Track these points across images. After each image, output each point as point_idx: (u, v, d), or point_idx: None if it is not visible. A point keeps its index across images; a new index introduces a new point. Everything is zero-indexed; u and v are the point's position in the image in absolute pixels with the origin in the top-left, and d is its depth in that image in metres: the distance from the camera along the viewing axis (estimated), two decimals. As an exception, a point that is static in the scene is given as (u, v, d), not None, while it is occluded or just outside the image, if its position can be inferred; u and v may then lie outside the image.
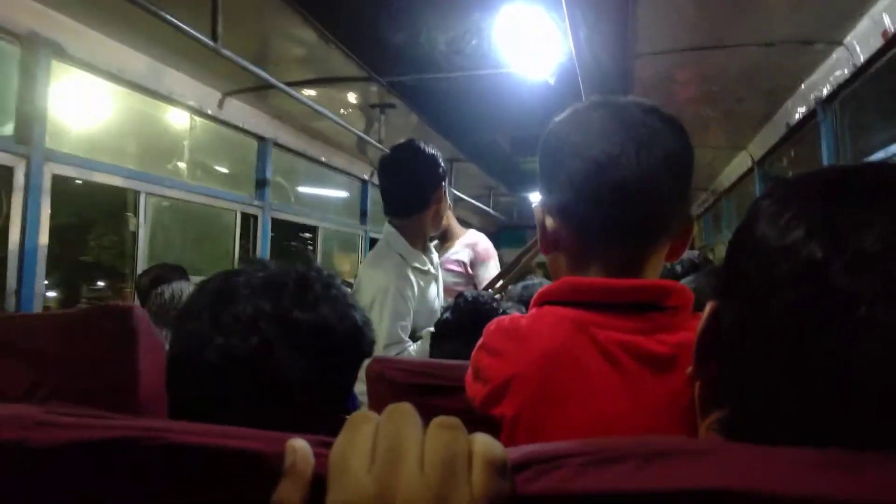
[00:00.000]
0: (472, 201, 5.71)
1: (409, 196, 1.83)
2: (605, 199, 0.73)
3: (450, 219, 2.48)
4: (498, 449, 0.32)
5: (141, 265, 2.57)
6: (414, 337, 1.73)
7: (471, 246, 2.32)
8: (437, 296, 1.88)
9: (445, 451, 0.32)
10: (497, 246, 2.43)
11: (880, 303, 0.34)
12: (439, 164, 1.85)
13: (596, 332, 0.71)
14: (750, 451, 0.36)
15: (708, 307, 0.48)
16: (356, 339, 0.73)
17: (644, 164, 0.72)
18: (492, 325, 0.83)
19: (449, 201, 1.91)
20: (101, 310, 1.40)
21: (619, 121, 0.75)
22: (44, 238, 2.04)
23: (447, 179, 1.87)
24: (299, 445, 0.34)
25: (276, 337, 0.66)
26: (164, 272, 2.10)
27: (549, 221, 0.81)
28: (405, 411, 0.34)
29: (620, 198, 0.72)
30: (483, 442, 0.33)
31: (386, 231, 1.85)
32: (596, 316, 0.72)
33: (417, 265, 1.80)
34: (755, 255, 0.41)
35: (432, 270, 1.89)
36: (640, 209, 0.73)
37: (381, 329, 1.66)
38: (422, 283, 1.80)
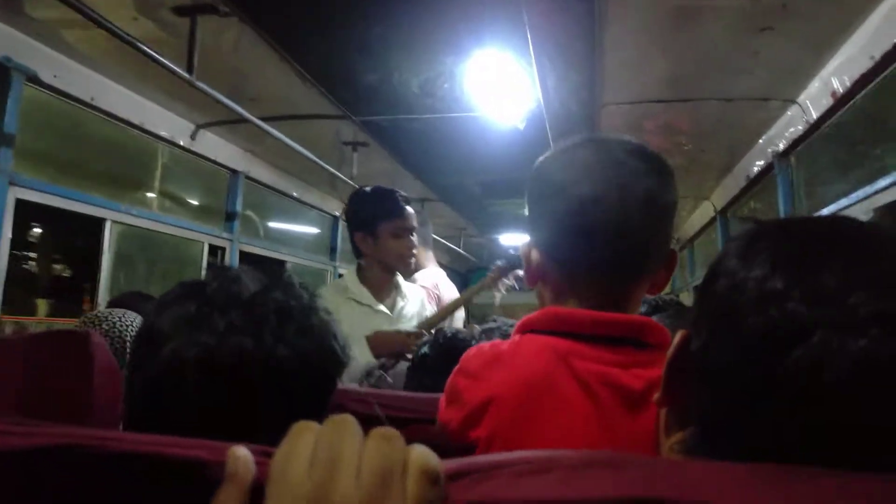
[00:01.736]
0: (443, 241, 5.75)
1: (352, 243, 1.98)
2: (587, 237, 0.76)
3: (420, 253, 2.50)
4: (433, 459, 0.34)
5: (103, 292, 2.53)
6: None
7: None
8: None
9: (382, 461, 0.33)
10: (466, 286, 2.46)
11: (834, 330, 0.37)
12: (359, 210, 1.95)
13: (574, 362, 0.73)
14: (680, 464, 0.38)
15: (679, 335, 0.50)
16: (335, 369, 0.70)
17: (625, 204, 0.74)
18: (471, 350, 0.84)
19: (406, 244, 1.94)
20: (58, 335, 1.38)
21: (602, 161, 0.77)
22: (2, 263, 2.00)
23: (378, 223, 1.92)
24: (241, 453, 0.35)
25: (258, 377, 0.61)
26: (125, 299, 2.03)
27: (534, 255, 0.84)
28: (344, 421, 0.36)
29: (601, 236, 0.75)
30: (418, 452, 0.34)
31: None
32: (576, 346, 0.74)
33: (358, 299, 1.90)
34: (725, 286, 0.45)
35: (380, 308, 1.93)
36: (620, 247, 0.75)
37: None
38: (358, 315, 1.87)
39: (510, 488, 0.34)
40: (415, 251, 1.98)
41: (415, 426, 0.91)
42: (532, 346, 0.78)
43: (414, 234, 1.98)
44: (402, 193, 1.98)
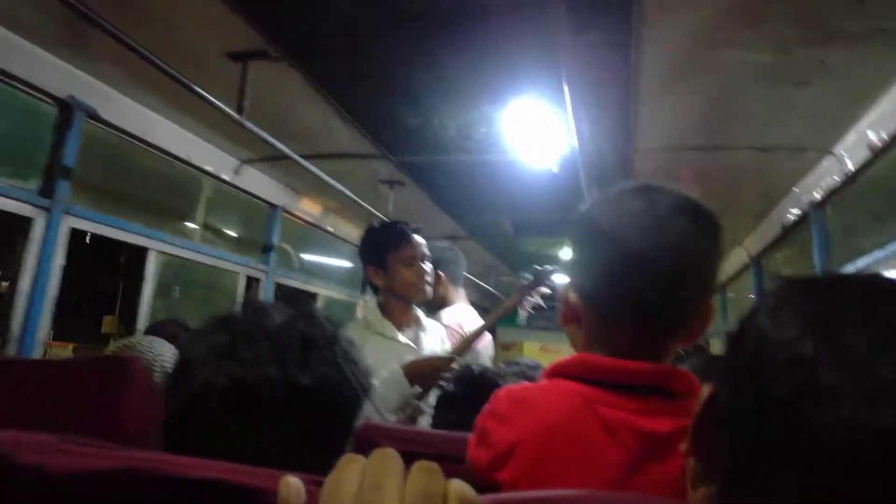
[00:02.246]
0: (473, 278, 5.77)
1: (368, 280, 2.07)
2: (628, 293, 0.77)
3: (446, 290, 2.51)
4: (470, 491, 0.37)
5: (143, 319, 2.60)
6: None
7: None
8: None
9: (424, 489, 0.36)
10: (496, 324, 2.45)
11: (864, 402, 0.37)
12: (369, 244, 2.02)
13: (600, 409, 0.74)
14: None
15: (706, 387, 0.51)
16: (357, 395, 0.73)
17: (672, 266, 0.75)
18: (502, 391, 0.86)
19: (416, 272, 1.99)
20: (100, 360, 1.44)
21: (653, 216, 0.78)
22: (53, 289, 2.09)
23: (386, 255, 1.97)
24: (293, 482, 0.38)
25: (283, 403, 0.65)
26: (162, 327, 2.06)
27: (572, 296, 0.85)
28: (389, 454, 0.39)
29: (643, 294, 0.76)
30: (457, 485, 0.37)
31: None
32: (603, 394, 0.76)
33: (381, 332, 1.95)
34: (754, 344, 0.45)
35: (402, 339, 1.97)
36: (662, 306, 0.77)
37: None
38: (383, 348, 1.90)
39: None
40: (428, 278, 2.01)
41: (445, 465, 0.93)
42: (559, 391, 0.79)
43: (426, 261, 2.02)
44: (411, 224, 2.04)
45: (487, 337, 2.41)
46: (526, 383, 0.86)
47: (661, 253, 0.75)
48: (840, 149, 2.33)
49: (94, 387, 1.21)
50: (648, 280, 0.76)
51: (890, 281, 0.45)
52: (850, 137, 2.23)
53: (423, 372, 1.78)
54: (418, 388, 1.79)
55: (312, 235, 4.10)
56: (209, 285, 3.33)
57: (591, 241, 0.85)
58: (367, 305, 2.01)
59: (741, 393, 0.46)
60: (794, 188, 2.85)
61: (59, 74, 2.06)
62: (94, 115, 2.20)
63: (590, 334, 0.84)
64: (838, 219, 2.68)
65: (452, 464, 0.93)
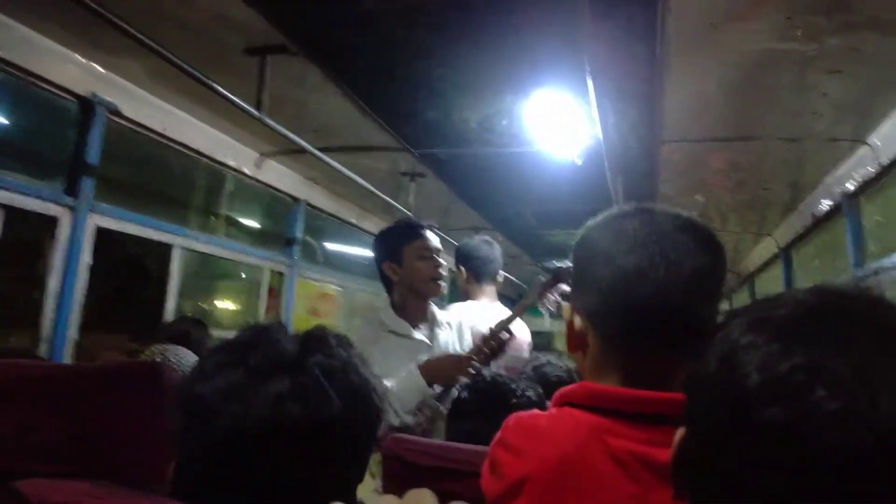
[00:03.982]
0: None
1: (381, 278, 2.01)
2: (630, 311, 0.75)
3: (469, 285, 2.46)
4: None
5: (169, 315, 2.63)
6: None
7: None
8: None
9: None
10: (521, 313, 2.36)
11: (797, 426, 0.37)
12: (383, 241, 2.01)
13: (610, 440, 0.72)
14: None
15: (679, 432, 0.50)
16: (376, 423, 0.73)
17: (671, 280, 0.73)
18: (511, 420, 0.83)
19: (430, 263, 1.94)
20: (131, 366, 1.43)
21: (651, 233, 0.76)
22: (81, 288, 2.11)
23: (401, 248, 1.93)
24: None
25: (309, 440, 0.66)
26: (186, 328, 2.05)
27: (577, 321, 0.83)
28: (424, 494, 0.38)
29: (645, 311, 0.74)
30: None
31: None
32: (612, 423, 0.73)
33: (395, 330, 1.91)
34: (694, 387, 0.47)
35: (417, 337, 1.93)
36: (664, 324, 0.74)
37: None
38: (400, 346, 1.88)
39: None
40: (443, 272, 1.96)
41: (474, 481, 0.91)
42: (568, 421, 0.77)
43: (439, 256, 1.97)
44: (424, 221, 2.03)
45: (522, 338, 2.34)
46: (536, 411, 0.83)
47: (660, 269, 0.73)
48: (875, 138, 2.25)
49: (124, 395, 1.20)
50: (648, 297, 0.74)
51: (835, 299, 0.44)
52: (886, 126, 2.15)
53: (440, 370, 1.75)
54: (437, 389, 1.75)
55: (336, 228, 4.10)
56: (234, 280, 3.36)
57: (589, 260, 0.82)
58: (381, 305, 1.98)
59: (689, 435, 0.47)
60: (825, 178, 2.77)
61: (80, 72, 2.07)
62: (116, 112, 2.21)
63: (596, 360, 0.81)
64: (873, 211, 2.60)
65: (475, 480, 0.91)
